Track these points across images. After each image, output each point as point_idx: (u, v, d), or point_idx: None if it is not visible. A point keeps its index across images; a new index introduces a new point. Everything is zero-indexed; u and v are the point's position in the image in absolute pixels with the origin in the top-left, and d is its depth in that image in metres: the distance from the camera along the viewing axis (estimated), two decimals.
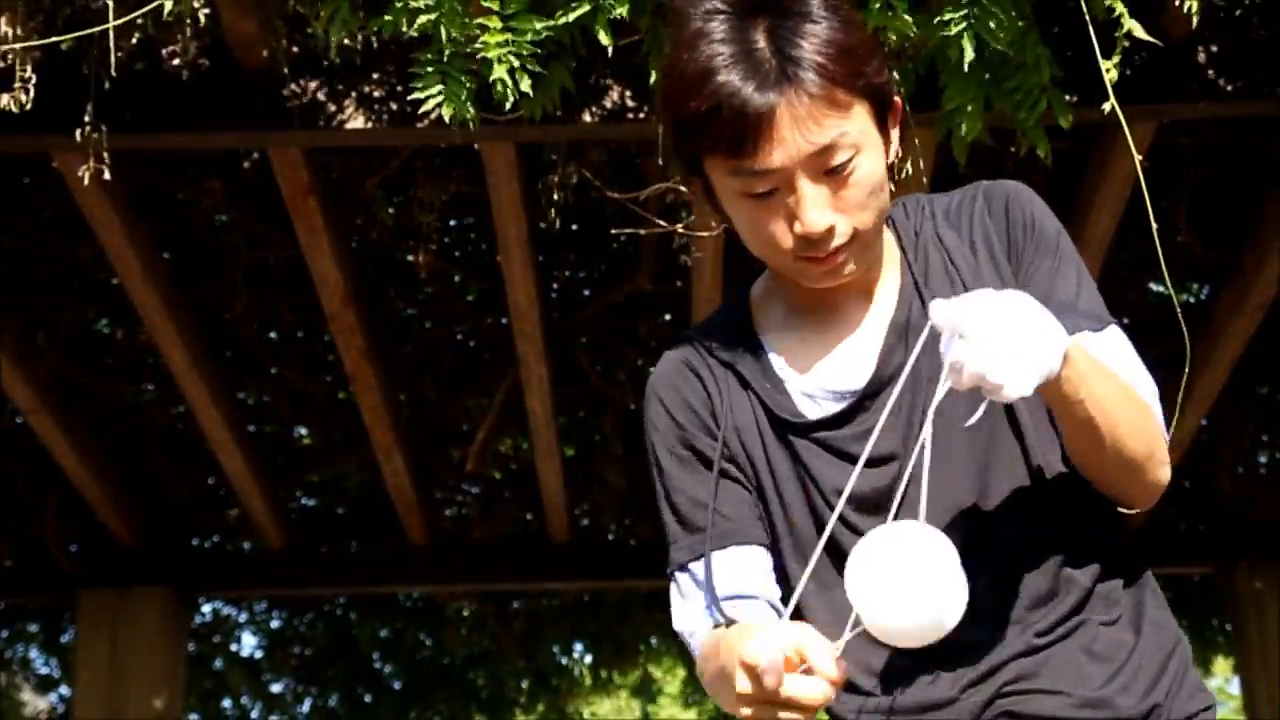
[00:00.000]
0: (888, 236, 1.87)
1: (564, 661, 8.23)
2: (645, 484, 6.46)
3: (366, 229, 5.00)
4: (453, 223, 5.45)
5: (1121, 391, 1.72)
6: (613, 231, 3.95)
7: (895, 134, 1.81)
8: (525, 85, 2.88)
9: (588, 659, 8.24)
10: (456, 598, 7.39)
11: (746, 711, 1.57)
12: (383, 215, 4.96)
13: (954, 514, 1.75)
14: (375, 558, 6.63)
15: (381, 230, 5.02)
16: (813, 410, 1.81)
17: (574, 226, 5.19)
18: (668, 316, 5.74)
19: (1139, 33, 2.88)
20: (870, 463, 1.69)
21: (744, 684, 1.56)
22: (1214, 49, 3.63)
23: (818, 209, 1.72)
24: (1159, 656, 1.77)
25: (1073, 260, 1.83)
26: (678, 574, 1.84)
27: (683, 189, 3.51)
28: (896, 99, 1.80)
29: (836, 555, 1.71)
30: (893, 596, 1.54)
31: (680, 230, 3.67)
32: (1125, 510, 1.82)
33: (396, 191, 4.95)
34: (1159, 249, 3.05)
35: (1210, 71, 3.61)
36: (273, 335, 5.86)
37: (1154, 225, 3.01)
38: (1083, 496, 1.79)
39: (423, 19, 2.83)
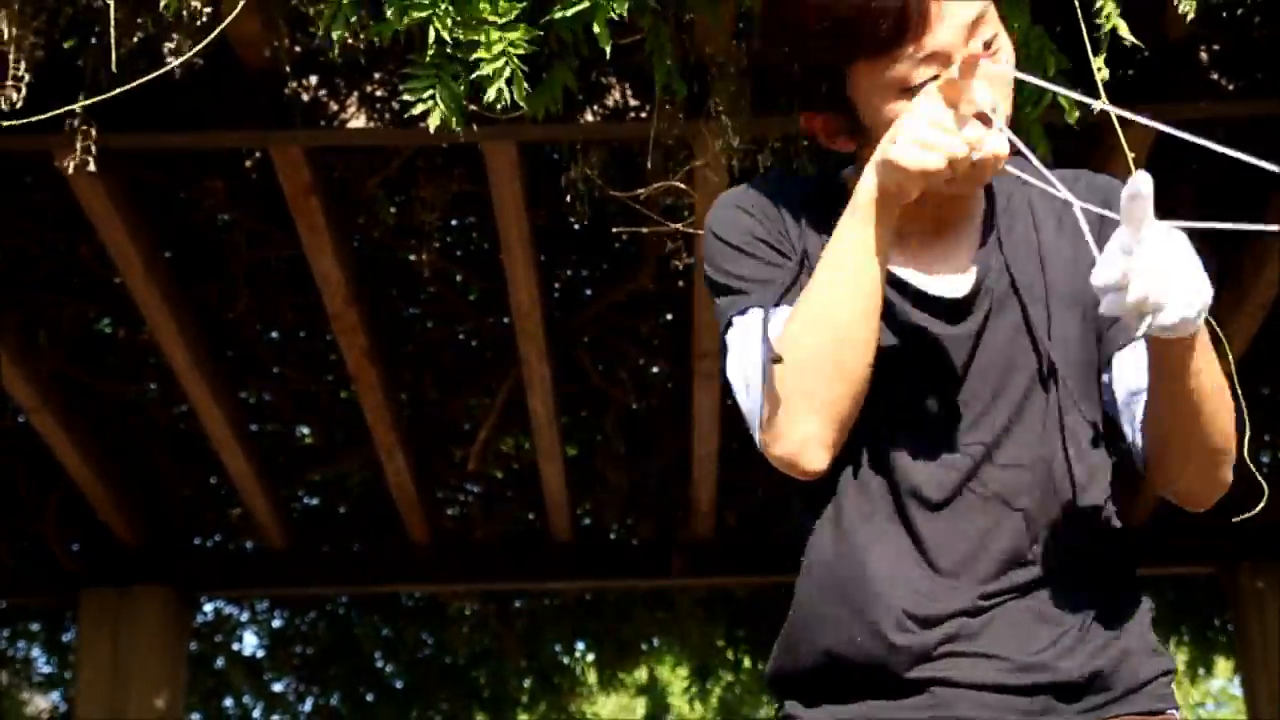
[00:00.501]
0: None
1: (566, 661, 8.23)
2: (646, 484, 6.49)
3: (368, 228, 5.00)
4: (454, 222, 5.45)
5: (1220, 379, 1.70)
6: (614, 230, 3.95)
7: None
8: (518, 95, 2.88)
9: (590, 658, 8.24)
10: (458, 597, 7.39)
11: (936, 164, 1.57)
12: (384, 215, 4.96)
13: (980, 440, 1.74)
14: (377, 557, 6.63)
15: (383, 230, 5.02)
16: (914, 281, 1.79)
17: (576, 225, 5.20)
18: (669, 316, 5.74)
19: (1124, 32, 2.87)
20: (948, 317, 1.73)
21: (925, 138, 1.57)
22: (1215, 48, 3.63)
23: (983, 86, 1.65)
24: (1117, 616, 1.74)
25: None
26: (727, 335, 1.79)
27: (683, 186, 3.51)
28: None
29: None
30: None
31: (682, 229, 3.67)
32: (1191, 508, 1.80)
33: (398, 191, 4.95)
34: None
35: (1211, 71, 3.61)
36: (274, 334, 5.86)
37: None
38: (1103, 474, 1.78)
39: (415, 15, 2.83)
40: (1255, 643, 6.23)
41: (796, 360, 1.69)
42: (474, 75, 2.82)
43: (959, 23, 1.67)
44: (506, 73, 2.81)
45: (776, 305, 1.76)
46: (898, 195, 1.64)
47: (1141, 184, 1.49)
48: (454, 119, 2.86)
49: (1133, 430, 1.77)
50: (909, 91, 1.68)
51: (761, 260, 1.80)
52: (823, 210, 1.82)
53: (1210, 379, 1.67)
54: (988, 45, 1.70)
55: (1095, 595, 1.74)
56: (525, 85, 2.85)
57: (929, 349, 1.76)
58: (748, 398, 1.76)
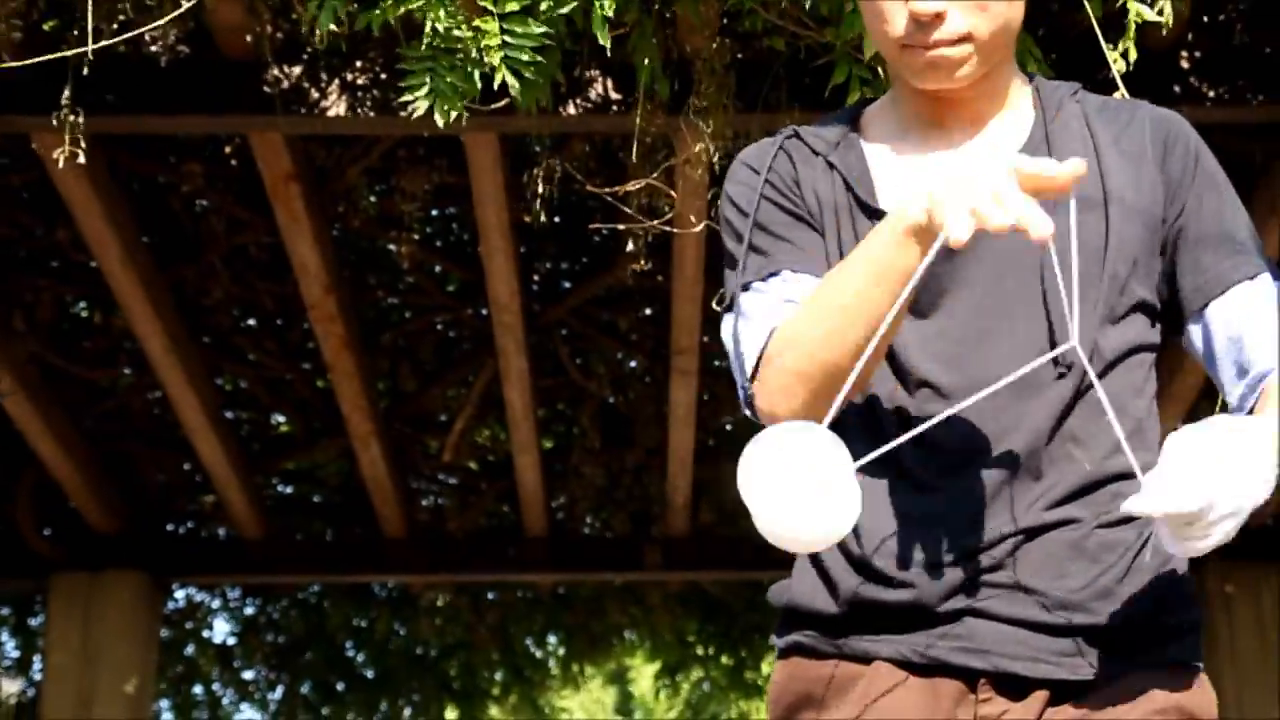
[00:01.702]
0: (1023, 91, 1.84)
1: (537, 654, 8.23)
2: (622, 479, 6.49)
3: (348, 217, 5.00)
4: (435, 212, 5.44)
5: None
6: (593, 226, 3.95)
7: None
8: (515, 90, 2.87)
9: (561, 651, 8.24)
10: (431, 588, 7.39)
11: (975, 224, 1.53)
12: (364, 203, 4.95)
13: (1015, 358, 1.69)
14: (350, 546, 6.63)
15: (363, 218, 5.02)
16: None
17: (556, 219, 5.19)
18: (648, 310, 5.75)
19: (1149, 15, 2.85)
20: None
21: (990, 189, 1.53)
22: (1197, 55, 3.64)
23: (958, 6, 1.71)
24: (1155, 562, 1.71)
25: (1234, 196, 1.81)
26: (741, 295, 1.79)
27: (662, 185, 3.51)
28: None
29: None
30: (786, 506, 1.53)
31: (659, 226, 3.67)
32: None
33: (379, 180, 4.94)
34: None
35: (1192, 77, 3.62)
36: (251, 322, 5.84)
37: None
38: (1145, 395, 1.76)
39: (411, 5, 2.82)
40: (1223, 645, 6.25)
41: (795, 357, 1.70)
42: (470, 66, 2.82)
43: None
44: (502, 65, 2.80)
45: (794, 270, 1.77)
46: (931, 232, 1.61)
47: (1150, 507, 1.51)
48: (453, 112, 2.85)
49: (1232, 384, 1.75)
50: None
51: (772, 231, 1.80)
52: (834, 137, 1.84)
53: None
54: None
55: (1135, 534, 1.71)
56: (524, 76, 2.85)
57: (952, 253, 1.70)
58: (737, 351, 1.77)
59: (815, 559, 1.76)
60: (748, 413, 1.78)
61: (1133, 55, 2.81)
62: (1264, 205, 4.25)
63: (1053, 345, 1.70)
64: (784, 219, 1.80)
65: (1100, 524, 1.69)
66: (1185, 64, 3.63)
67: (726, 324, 1.82)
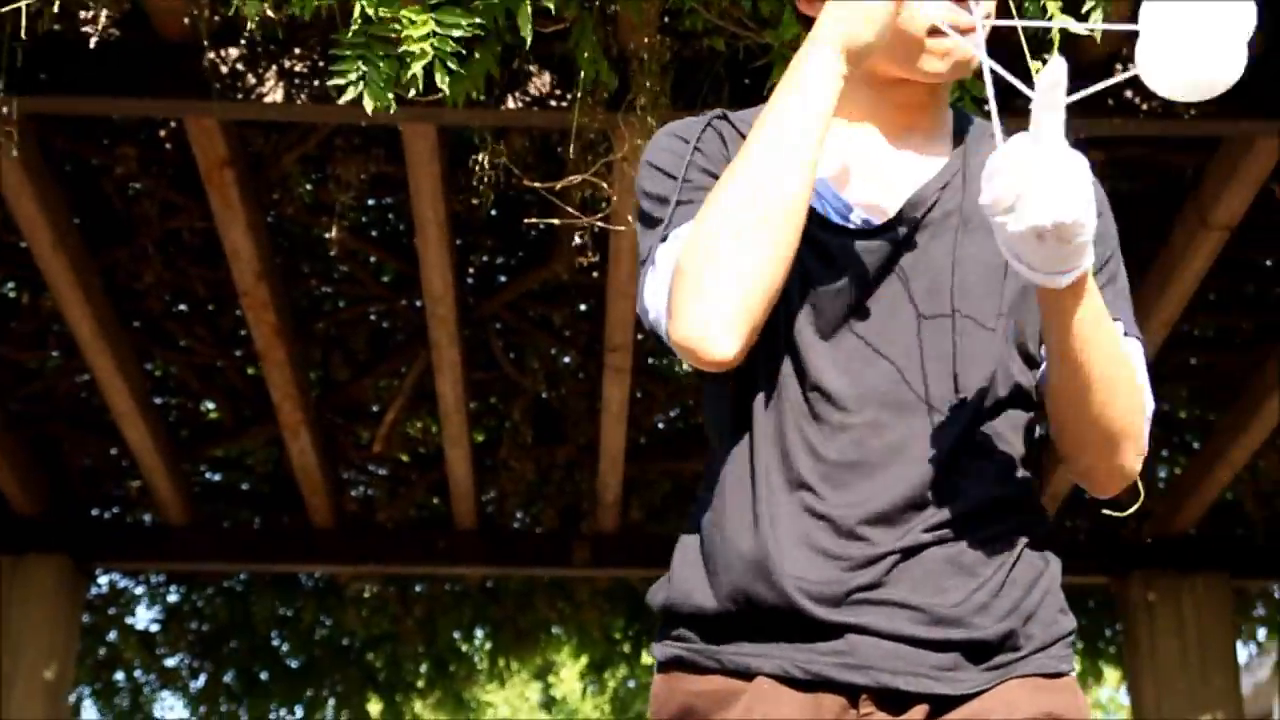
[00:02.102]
0: (949, 113, 1.86)
1: (463, 648, 8.22)
2: (552, 474, 6.49)
3: (283, 204, 4.97)
4: (371, 202, 5.42)
5: (1121, 361, 1.71)
6: (529, 220, 3.94)
7: None
8: (443, 83, 2.86)
9: (487, 646, 8.23)
10: (358, 579, 7.36)
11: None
12: (300, 191, 4.93)
13: (904, 370, 1.72)
14: (278, 536, 6.59)
15: (298, 206, 4.99)
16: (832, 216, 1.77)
17: (493, 212, 5.19)
18: (583, 306, 5.75)
19: (1076, 29, 2.86)
20: (839, 272, 1.71)
21: None
22: (1131, 67, 3.67)
23: None
24: (1029, 575, 1.73)
25: (1118, 268, 1.83)
26: (658, 248, 1.74)
27: (600, 181, 3.51)
28: None
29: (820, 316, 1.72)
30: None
31: (596, 222, 3.67)
32: (1095, 492, 1.80)
33: (315, 168, 4.92)
34: None
35: (1126, 90, 3.66)
36: (183, 307, 5.80)
37: None
38: (1023, 432, 1.77)
39: None
40: (1144, 653, 6.32)
41: (712, 223, 1.65)
42: (403, 55, 2.80)
43: None
44: (430, 55, 2.79)
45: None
46: (848, 43, 1.65)
47: (1058, 71, 1.52)
48: (382, 100, 2.84)
49: (1042, 391, 1.78)
50: None
51: (701, 187, 1.76)
52: None
53: (1103, 353, 1.67)
54: None
55: (1009, 549, 1.73)
56: (451, 68, 2.84)
57: (839, 260, 1.73)
58: (655, 301, 1.73)
59: (698, 555, 1.76)
60: (679, 354, 1.71)
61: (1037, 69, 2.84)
62: (1194, 216, 4.31)
63: (955, 366, 1.73)
64: (712, 183, 1.75)
65: (976, 539, 1.72)
66: (1119, 76, 3.66)
67: (641, 282, 1.77)
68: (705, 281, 1.64)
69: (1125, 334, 1.79)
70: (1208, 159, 4.26)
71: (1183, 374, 5.97)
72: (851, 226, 1.76)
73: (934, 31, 1.75)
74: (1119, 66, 3.65)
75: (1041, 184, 1.50)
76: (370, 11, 2.78)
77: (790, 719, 1.67)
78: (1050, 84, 1.51)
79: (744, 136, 1.78)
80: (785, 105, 1.68)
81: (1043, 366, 1.78)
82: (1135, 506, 2.12)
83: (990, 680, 1.69)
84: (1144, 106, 3.70)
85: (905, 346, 1.73)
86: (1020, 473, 1.77)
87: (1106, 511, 1.84)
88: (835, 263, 1.74)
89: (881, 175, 1.80)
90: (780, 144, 1.67)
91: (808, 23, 1.81)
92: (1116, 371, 1.71)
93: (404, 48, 2.79)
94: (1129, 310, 1.84)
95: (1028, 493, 1.78)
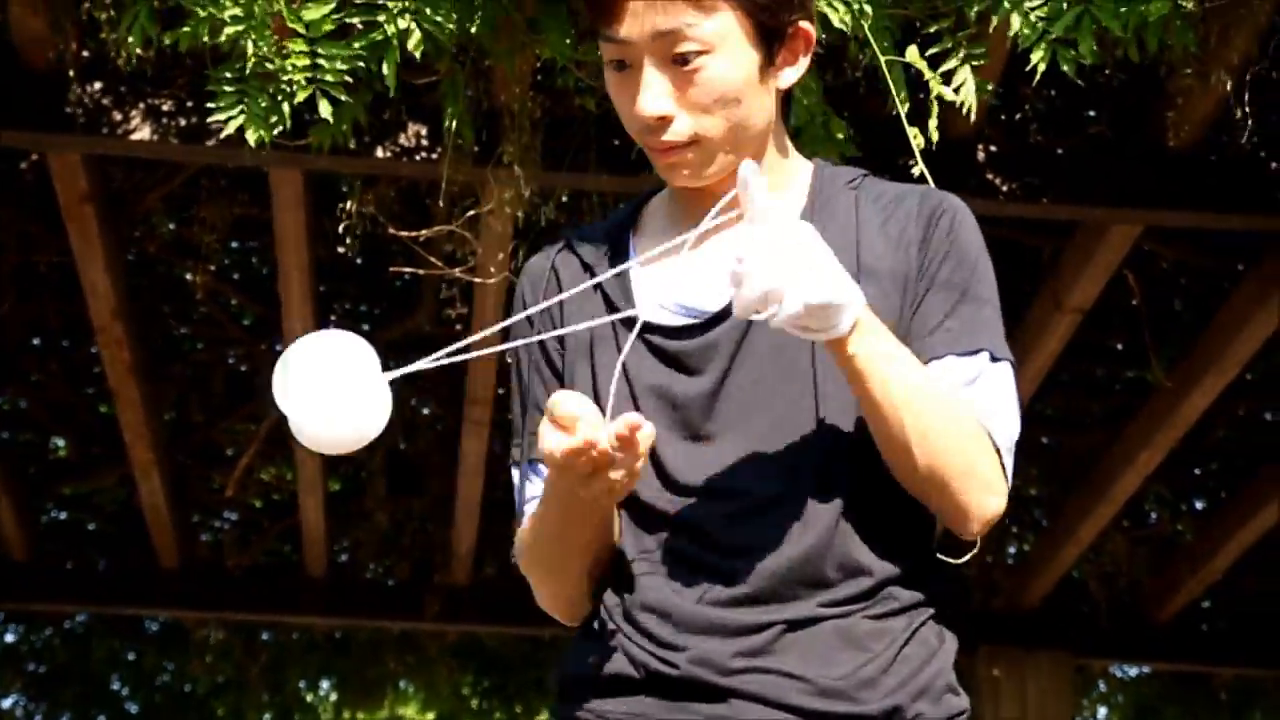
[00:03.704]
0: (801, 175, 1.87)
1: (309, 698, 8.10)
2: (408, 524, 6.44)
3: (144, 242, 4.91)
4: (234, 244, 5.37)
5: (940, 399, 1.70)
6: (393, 270, 3.93)
7: (795, 64, 1.82)
8: (327, 112, 2.86)
9: (333, 697, 8.13)
10: (204, 625, 7.23)
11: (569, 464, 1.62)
12: (163, 230, 4.87)
13: (771, 446, 1.75)
14: (123, 577, 6.47)
15: (160, 245, 4.93)
16: (663, 319, 1.79)
17: (358, 260, 5.16)
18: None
19: (949, 95, 2.91)
20: (690, 371, 1.76)
21: (557, 440, 1.62)
22: (993, 149, 3.75)
23: (651, 94, 1.75)
24: (922, 652, 1.75)
25: (978, 293, 1.80)
26: (513, 468, 1.89)
27: (466, 233, 3.52)
28: (806, 28, 1.81)
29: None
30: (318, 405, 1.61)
31: (462, 275, 3.67)
32: (957, 532, 1.80)
33: (179, 208, 4.86)
34: None
35: (988, 171, 3.74)
36: (36, 341, 5.70)
37: None
38: (895, 498, 1.76)
39: (229, 30, 2.79)
40: None
41: (531, 573, 1.86)
42: (285, 99, 2.80)
43: (649, 27, 1.74)
44: (310, 90, 2.79)
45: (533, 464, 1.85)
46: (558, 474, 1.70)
47: (747, 172, 1.58)
48: (266, 132, 2.83)
49: None
50: (609, 66, 1.79)
51: (535, 402, 1.85)
52: (605, 243, 1.87)
53: (906, 394, 1.67)
54: (684, 60, 1.74)
55: (904, 625, 1.74)
56: (337, 98, 2.83)
57: (693, 359, 1.77)
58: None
59: (598, 630, 1.79)
60: None
61: (935, 137, 2.88)
62: (1049, 298, 4.39)
63: (827, 436, 1.74)
64: (545, 386, 1.85)
65: (869, 615, 1.73)
66: (981, 156, 3.74)
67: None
68: (545, 597, 1.87)
69: (966, 354, 1.76)
70: (1065, 243, 4.35)
71: (1034, 453, 6.06)
72: (694, 322, 1.78)
73: (646, 146, 1.80)
74: (980, 147, 3.73)
75: (782, 277, 1.57)
76: (251, 49, 2.77)
77: None
78: (743, 182, 1.59)
79: (584, 265, 1.85)
80: (549, 507, 1.79)
81: None
82: (968, 555, 2.12)
83: None
84: (1004, 188, 3.78)
85: (775, 423, 1.74)
86: (916, 540, 1.78)
87: (941, 557, 1.84)
88: (687, 363, 1.77)
89: (709, 261, 1.79)
90: (559, 538, 1.80)
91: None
92: (929, 410, 1.69)
93: (288, 76, 2.78)
94: (989, 334, 1.80)
95: (925, 564, 1.79)
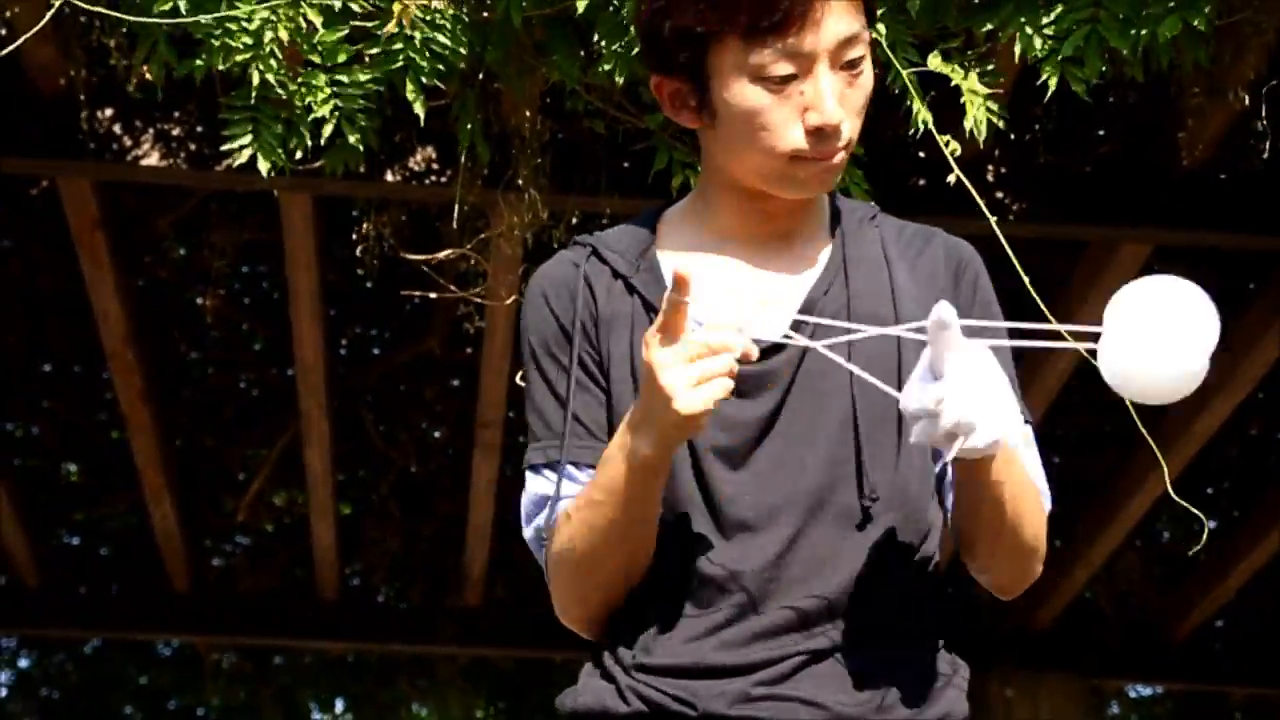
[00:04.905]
0: (824, 208, 1.86)
1: None
2: (419, 547, 6.43)
3: (155, 267, 4.92)
4: (245, 269, 5.38)
5: (1026, 486, 1.75)
6: (404, 293, 3.93)
7: None
8: (354, 138, 2.87)
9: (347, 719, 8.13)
10: (217, 649, 7.24)
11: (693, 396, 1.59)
12: (173, 255, 4.88)
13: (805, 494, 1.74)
14: (136, 602, 6.47)
15: (170, 270, 4.95)
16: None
17: (368, 284, 5.17)
18: (455, 382, 5.73)
19: (980, 91, 2.90)
20: (742, 395, 1.71)
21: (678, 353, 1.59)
22: (1003, 170, 3.75)
23: (834, 101, 1.72)
24: (935, 681, 1.75)
25: (1005, 354, 1.81)
26: (529, 474, 1.82)
27: (477, 256, 3.52)
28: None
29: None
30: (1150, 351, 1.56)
31: (472, 297, 3.67)
32: (1000, 596, 1.83)
33: (189, 233, 4.88)
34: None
35: (998, 191, 3.73)
36: (47, 367, 5.71)
37: None
38: (920, 536, 1.78)
39: (238, 57, 2.80)
40: None
41: (563, 574, 1.79)
42: (300, 123, 2.81)
43: (833, 34, 1.71)
44: (335, 119, 2.81)
45: (573, 463, 1.78)
46: (666, 442, 1.66)
47: (945, 313, 1.54)
48: (279, 160, 2.84)
49: (949, 514, 1.81)
50: (762, 80, 1.71)
51: (560, 397, 1.80)
52: (633, 254, 1.83)
53: (1014, 484, 1.71)
54: (852, 65, 1.73)
55: (919, 653, 1.76)
56: (362, 124, 2.84)
57: (740, 387, 1.72)
58: (529, 526, 1.83)
59: (607, 660, 1.78)
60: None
61: (957, 149, 2.88)
62: (1059, 318, 4.38)
63: (860, 475, 1.75)
64: (577, 383, 1.79)
65: (886, 644, 1.74)
66: (991, 177, 3.74)
67: (527, 484, 1.83)
68: (570, 604, 1.82)
69: (1025, 421, 1.79)
70: (1075, 262, 4.35)
71: (1046, 473, 6.05)
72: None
73: (796, 158, 1.74)
74: (990, 168, 3.72)
75: (977, 412, 1.54)
76: (269, 78, 2.78)
77: None
78: (939, 326, 1.55)
79: (616, 274, 1.81)
80: (607, 501, 1.72)
81: (949, 489, 1.80)
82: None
83: None
84: (1015, 208, 3.77)
85: (816, 457, 1.74)
86: (932, 571, 1.80)
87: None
88: (741, 386, 1.72)
89: (763, 290, 1.79)
90: (609, 534, 1.73)
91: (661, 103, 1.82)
92: (1024, 500, 1.74)
93: (306, 101, 2.80)
94: (1018, 395, 1.81)
95: (940, 594, 1.81)
